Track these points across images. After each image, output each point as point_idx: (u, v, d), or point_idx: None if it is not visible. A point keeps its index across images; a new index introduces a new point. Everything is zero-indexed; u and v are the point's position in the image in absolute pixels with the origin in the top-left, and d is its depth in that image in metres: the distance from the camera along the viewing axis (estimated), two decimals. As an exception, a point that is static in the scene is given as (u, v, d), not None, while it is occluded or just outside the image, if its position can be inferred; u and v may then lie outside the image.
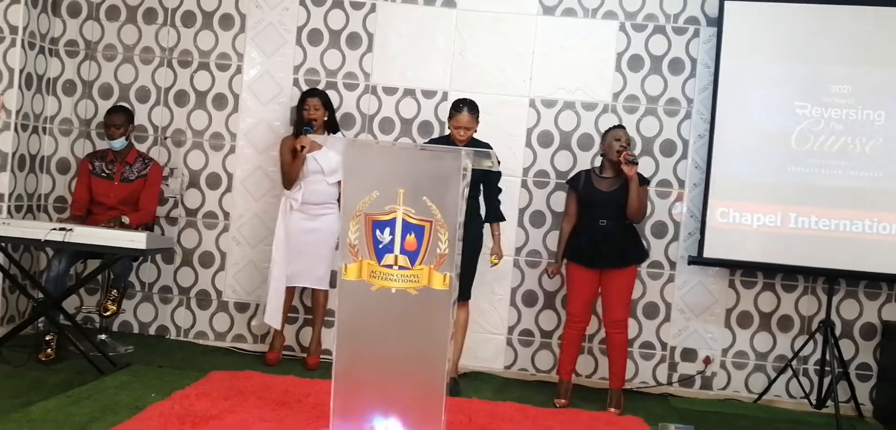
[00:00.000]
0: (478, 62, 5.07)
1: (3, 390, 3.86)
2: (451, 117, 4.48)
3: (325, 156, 4.75)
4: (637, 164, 4.36)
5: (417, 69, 5.10)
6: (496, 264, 4.59)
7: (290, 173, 4.71)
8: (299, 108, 4.84)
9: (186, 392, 3.91)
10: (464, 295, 4.46)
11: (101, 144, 5.07)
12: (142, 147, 5.16)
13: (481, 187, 4.51)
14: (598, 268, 4.49)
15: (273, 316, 4.78)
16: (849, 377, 4.86)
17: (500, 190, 4.59)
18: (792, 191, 4.83)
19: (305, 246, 4.74)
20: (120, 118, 4.79)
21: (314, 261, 4.76)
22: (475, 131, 4.48)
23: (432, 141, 4.74)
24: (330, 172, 4.74)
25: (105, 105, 5.17)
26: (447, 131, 4.57)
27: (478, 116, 4.48)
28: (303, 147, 4.63)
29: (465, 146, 4.28)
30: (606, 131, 4.60)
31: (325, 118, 4.82)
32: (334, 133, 4.89)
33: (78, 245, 4.21)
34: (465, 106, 4.44)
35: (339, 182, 4.80)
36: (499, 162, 3.63)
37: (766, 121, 4.86)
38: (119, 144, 4.77)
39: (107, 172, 4.77)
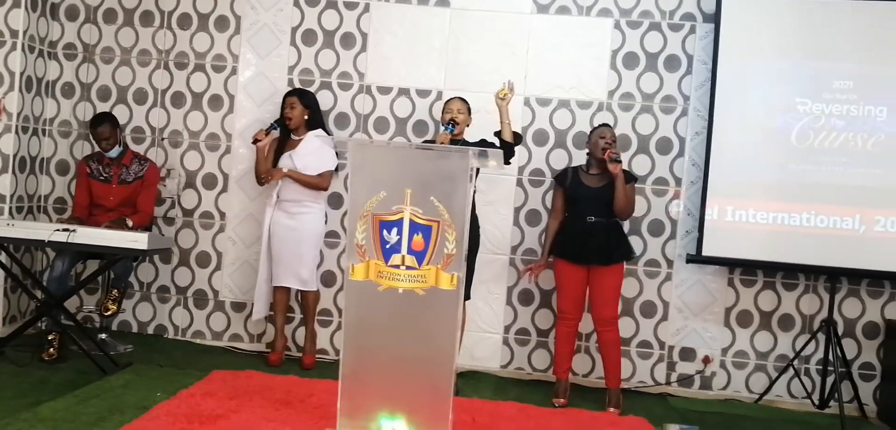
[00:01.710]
0: (472, 61, 5.05)
1: (8, 389, 3.91)
2: (444, 112, 4.53)
3: (299, 153, 4.77)
4: (620, 162, 4.33)
5: (412, 69, 5.10)
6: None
7: (256, 168, 4.81)
8: (281, 108, 4.86)
9: (191, 392, 3.95)
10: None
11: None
12: (139, 148, 5.21)
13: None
14: (585, 264, 4.46)
15: (259, 309, 4.91)
16: (852, 376, 4.76)
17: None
18: (792, 188, 4.75)
19: (286, 244, 4.78)
20: (106, 129, 4.74)
21: (295, 261, 4.78)
22: (469, 124, 4.49)
23: (430, 140, 4.73)
24: (303, 168, 4.75)
25: (103, 107, 5.23)
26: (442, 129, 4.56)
27: (469, 109, 4.52)
28: (255, 140, 4.70)
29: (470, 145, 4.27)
30: (592, 130, 4.60)
31: (306, 117, 4.82)
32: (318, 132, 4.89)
33: (81, 246, 4.26)
34: (456, 97, 4.56)
35: (326, 183, 4.85)
36: (500, 163, 3.60)
37: (765, 117, 4.79)
38: (114, 153, 4.77)
39: (104, 174, 4.81)
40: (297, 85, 5.12)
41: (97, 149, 4.83)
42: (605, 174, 4.42)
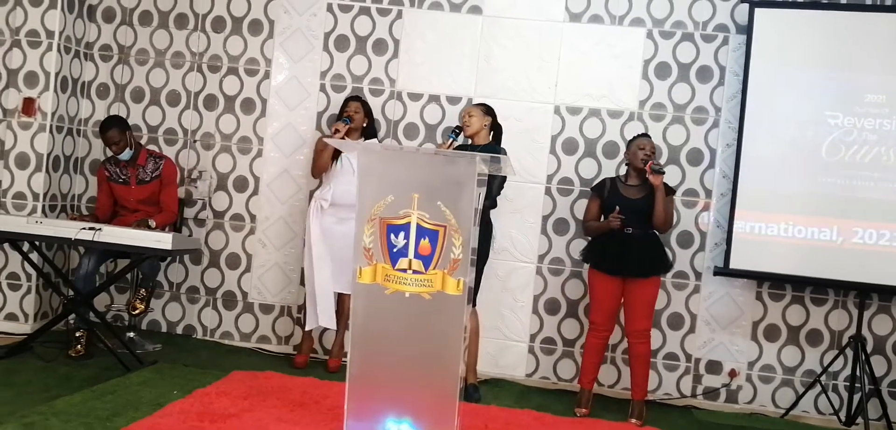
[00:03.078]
0: (503, 68, 5.06)
1: (32, 384, 3.97)
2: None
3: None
4: (664, 173, 4.30)
5: (442, 75, 5.12)
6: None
7: (319, 161, 4.77)
8: (341, 111, 4.84)
9: (207, 391, 3.96)
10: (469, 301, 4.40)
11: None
12: (172, 150, 5.27)
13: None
14: (622, 277, 4.43)
15: (325, 318, 4.75)
16: (880, 394, 4.72)
17: (498, 191, 4.48)
18: (822, 202, 4.72)
19: (337, 249, 4.75)
20: (115, 134, 4.71)
21: (344, 265, 4.77)
22: (480, 128, 4.46)
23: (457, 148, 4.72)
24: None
25: (137, 108, 5.31)
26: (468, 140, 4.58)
27: (487, 111, 4.51)
28: (337, 131, 4.62)
29: (479, 151, 4.27)
30: (631, 140, 4.54)
31: (365, 124, 4.84)
32: (370, 139, 4.90)
33: (106, 245, 4.31)
34: (475, 104, 4.57)
35: None
36: (512, 170, 3.60)
37: (796, 130, 4.76)
38: (126, 156, 4.77)
39: (123, 177, 4.84)
40: (330, 90, 5.16)
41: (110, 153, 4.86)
42: (644, 186, 4.39)
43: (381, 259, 3.31)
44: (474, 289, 4.42)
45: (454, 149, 4.23)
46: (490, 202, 4.45)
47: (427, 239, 3.26)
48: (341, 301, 4.91)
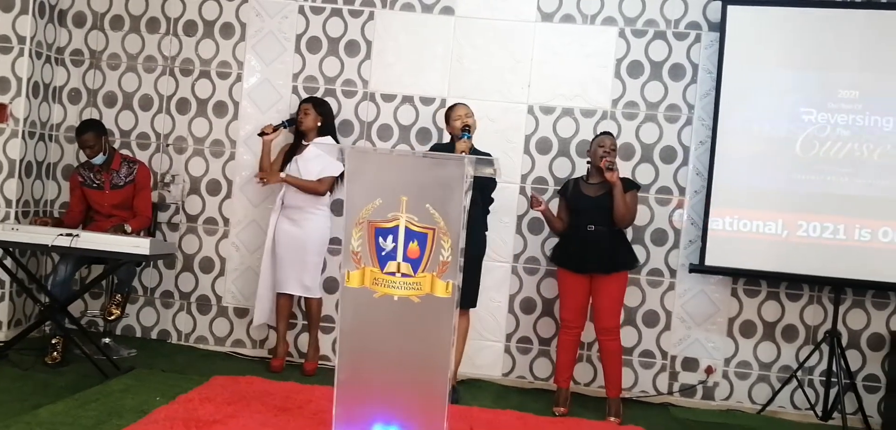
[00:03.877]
0: (476, 69, 5.06)
1: (10, 392, 3.94)
2: (448, 118, 4.51)
3: (304, 158, 4.79)
4: (615, 169, 4.31)
5: (415, 76, 5.10)
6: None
7: (259, 164, 4.95)
8: (296, 114, 4.91)
9: (190, 397, 3.96)
10: (468, 303, 4.41)
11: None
12: (145, 154, 5.24)
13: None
14: (587, 273, 4.45)
15: (260, 315, 4.92)
16: (856, 388, 4.73)
17: (491, 200, 4.52)
18: (797, 198, 4.73)
19: (290, 251, 4.79)
20: (90, 137, 4.70)
21: (299, 268, 4.79)
22: (476, 127, 4.47)
23: (434, 148, 4.72)
24: (307, 174, 4.78)
25: (109, 113, 5.28)
26: (445, 138, 4.56)
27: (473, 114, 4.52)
28: (262, 133, 4.89)
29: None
30: (593, 138, 4.60)
31: (318, 123, 4.85)
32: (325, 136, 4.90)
33: (84, 251, 4.28)
34: (460, 103, 4.54)
35: (330, 188, 4.86)
36: (499, 173, 3.60)
37: (770, 127, 4.77)
38: (99, 160, 4.76)
39: (96, 182, 4.82)
40: (302, 92, 5.14)
41: (83, 157, 4.83)
42: (605, 183, 4.41)
43: (370, 263, 3.30)
44: (474, 290, 4.44)
45: (441, 153, 4.23)
46: (484, 202, 4.47)
47: (416, 242, 3.26)
48: (308, 305, 4.93)
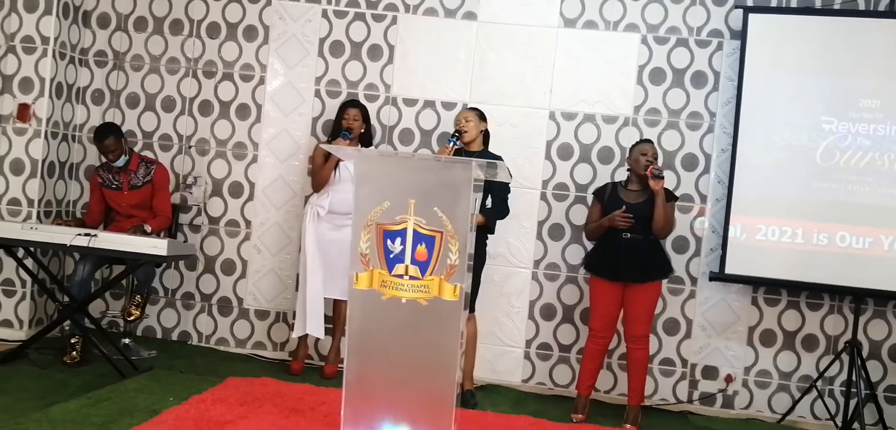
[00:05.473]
0: (498, 74, 5.07)
1: (28, 391, 3.95)
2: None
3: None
4: (663, 178, 4.30)
5: (437, 81, 5.12)
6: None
7: (321, 174, 4.74)
8: (338, 117, 4.83)
9: (203, 397, 3.95)
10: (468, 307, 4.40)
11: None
12: (167, 156, 5.27)
13: (489, 199, 4.46)
14: (621, 281, 4.42)
15: (314, 326, 4.73)
16: (877, 399, 4.72)
17: (504, 202, 4.47)
18: (817, 207, 4.73)
19: (332, 256, 4.74)
20: (111, 142, 4.70)
21: (340, 272, 4.76)
22: (477, 131, 4.48)
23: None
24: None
25: (132, 114, 5.31)
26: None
27: (482, 117, 4.52)
28: (333, 141, 4.67)
29: (476, 157, 4.27)
30: (633, 145, 4.55)
31: (362, 130, 4.83)
32: (368, 146, 4.89)
33: (101, 251, 4.30)
34: (469, 108, 4.57)
35: None
36: (510, 175, 3.60)
37: (790, 135, 4.77)
38: (121, 162, 4.76)
39: (115, 182, 4.84)
40: (325, 96, 5.16)
41: (104, 160, 4.84)
42: (645, 191, 4.38)
43: (378, 265, 3.31)
44: (473, 294, 4.44)
45: (453, 153, 4.24)
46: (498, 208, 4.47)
47: (423, 245, 3.26)
48: (337, 308, 4.90)
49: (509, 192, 4.50)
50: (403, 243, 3.28)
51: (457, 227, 3.22)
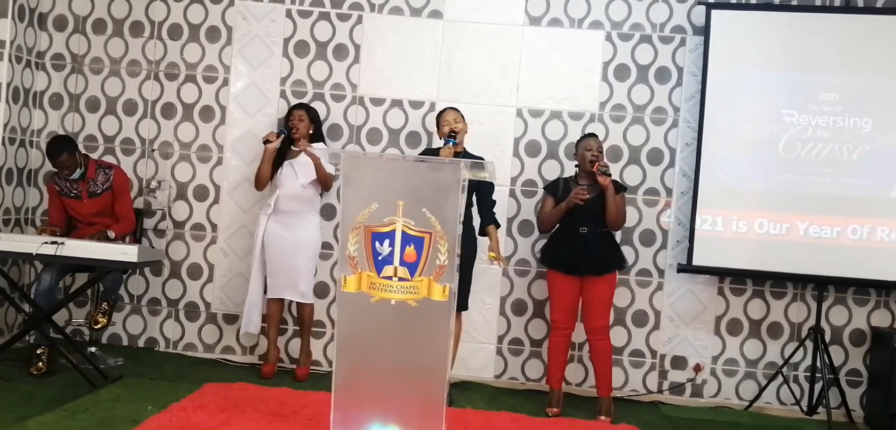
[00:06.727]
0: (464, 72, 5.07)
1: (-3, 405, 3.86)
2: (439, 123, 4.53)
3: (300, 162, 4.76)
4: (609, 174, 4.36)
5: (404, 80, 5.10)
6: (494, 257, 4.38)
7: (258, 171, 4.80)
8: (285, 120, 4.87)
9: (183, 405, 3.92)
10: (459, 306, 4.41)
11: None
12: (129, 160, 5.17)
13: (475, 197, 4.48)
14: (578, 275, 4.49)
15: (249, 323, 4.85)
16: (839, 383, 4.86)
17: (494, 201, 4.54)
18: (780, 198, 4.83)
19: (284, 256, 4.75)
20: (65, 159, 4.56)
21: (292, 273, 4.76)
22: (465, 131, 4.50)
23: (425, 152, 4.72)
24: (305, 178, 4.75)
25: (92, 118, 5.20)
26: (435, 141, 4.56)
27: (463, 117, 4.53)
28: (267, 140, 4.72)
29: (459, 157, 4.27)
30: (578, 141, 4.62)
31: (310, 131, 4.83)
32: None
33: (69, 259, 4.21)
34: (450, 108, 4.55)
35: (321, 192, 4.85)
36: (494, 176, 3.61)
37: (753, 129, 4.86)
38: (76, 175, 4.65)
39: (74, 191, 4.72)
40: (290, 96, 5.11)
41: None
42: (595, 186, 4.44)
43: (366, 267, 3.30)
44: (465, 293, 4.45)
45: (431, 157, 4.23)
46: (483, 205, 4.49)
47: (412, 246, 3.27)
48: (300, 310, 4.89)
49: (493, 189, 4.52)
50: (392, 244, 3.28)
51: (446, 227, 3.23)
